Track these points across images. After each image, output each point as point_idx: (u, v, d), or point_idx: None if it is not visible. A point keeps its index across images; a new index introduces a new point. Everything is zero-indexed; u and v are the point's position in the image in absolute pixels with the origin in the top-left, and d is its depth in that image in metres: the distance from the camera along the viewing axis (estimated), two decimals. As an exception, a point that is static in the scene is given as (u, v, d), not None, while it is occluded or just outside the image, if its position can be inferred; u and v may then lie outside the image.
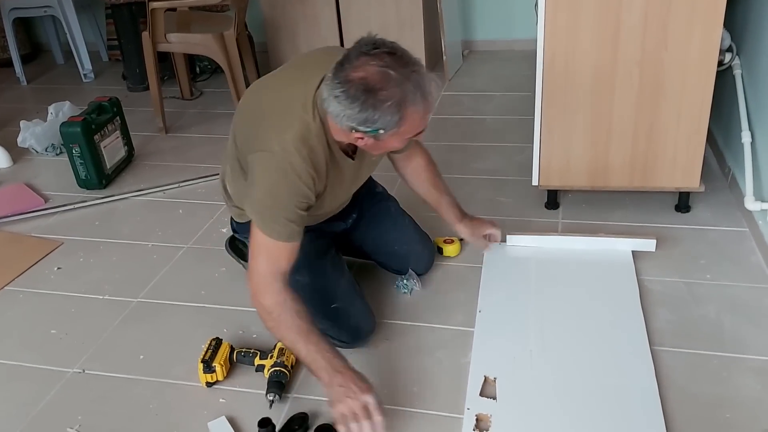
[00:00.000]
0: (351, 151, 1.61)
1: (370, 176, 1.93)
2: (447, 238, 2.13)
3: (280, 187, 1.47)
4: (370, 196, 1.97)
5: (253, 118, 1.58)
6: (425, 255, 2.02)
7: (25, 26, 4.41)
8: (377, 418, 1.40)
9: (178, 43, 3.10)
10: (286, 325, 1.48)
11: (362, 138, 1.43)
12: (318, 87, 1.48)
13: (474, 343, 1.73)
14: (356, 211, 1.93)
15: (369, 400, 1.41)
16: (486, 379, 1.60)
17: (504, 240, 2.08)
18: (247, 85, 3.41)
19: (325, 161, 1.52)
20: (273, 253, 1.49)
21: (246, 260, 2.02)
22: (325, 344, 1.49)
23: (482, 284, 1.95)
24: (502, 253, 2.06)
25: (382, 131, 1.38)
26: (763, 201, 2.00)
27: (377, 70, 1.33)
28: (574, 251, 2.02)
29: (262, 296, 1.50)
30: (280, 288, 1.49)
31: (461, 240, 2.13)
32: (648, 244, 2.01)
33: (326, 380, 1.44)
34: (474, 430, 1.48)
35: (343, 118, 1.38)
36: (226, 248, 2.11)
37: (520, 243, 2.08)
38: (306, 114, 1.48)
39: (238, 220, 1.85)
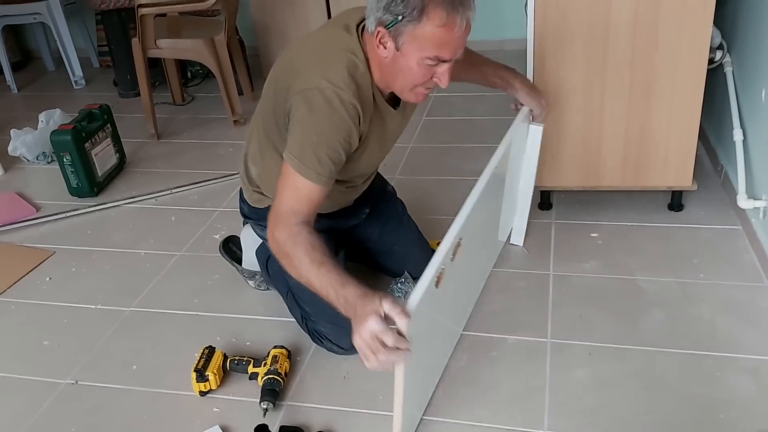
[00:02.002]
0: (394, 102, 1.61)
1: (381, 174, 1.95)
2: (441, 241, 2.12)
3: (327, 121, 1.43)
4: (381, 192, 1.98)
5: (294, 64, 1.53)
6: (422, 258, 2.00)
7: (15, 33, 4.39)
8: (404, 345, 1.23)
9: (168, 48, 3.09)
10: (298, 259, 1.40)
11: (384, 44, 1.41)
12: (358, 29, 1.50)
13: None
14: (369, 205, 1.93)
15: (373, 326, 1.23)
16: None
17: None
18: (239, 89, 3.41)
19: (370, 102, 1.51)
20: (302, 192, 1.44)
21: (240, 263, 2.02)
22: (336, 276, 1.36)
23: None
24: None
25: (401, 18, 1.36)
26: (755, 199, 2.00)
27: None
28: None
29: (277, 229, 1.44)
30: (297, 224, 1.43)
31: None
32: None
33: (342, 312, 1.34)
34: None
35: (372, 16, 1.41)
36: (220, 251, 2.10)
37: None
38: (351, 54, 1.47)
39: (257, 206, 1.80)
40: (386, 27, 1.39)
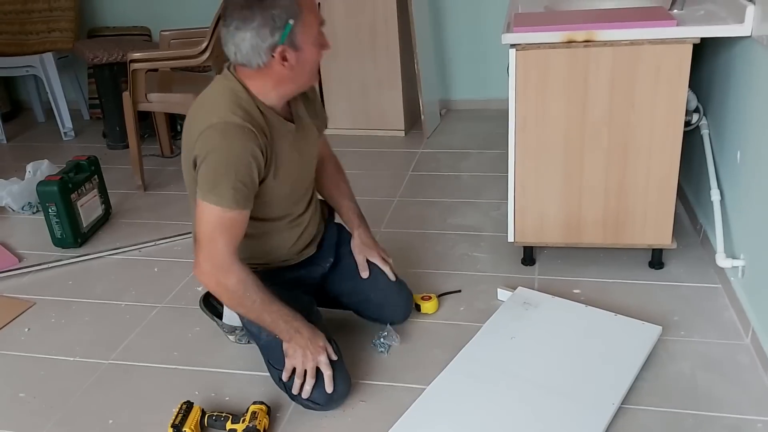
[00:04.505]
0: (286, 115, 1.71)
1: (333, 221, 2.04)
2: (425, 294, 2.13)
3: (227, 150, 1.55)
4: (345, 243, 1.99)
5: (190, 123, 1.64)
6: (401, 303, 2.01)
7: (6, 84, 4.44)
8: (327, 372, 1.65)
9: (158, 102, 3.14)
10: (250, 300, 1.61)
11: (284, 58, 1.55)
12: (231, 75, 1.63)
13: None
14: (332, 255, 1.96)
15: (321, 359, 1.65)
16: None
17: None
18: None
19: (264, 124, 1.61)
20: (229, 227, 1.58)
21: (220, 318, 2.01)
22: (285, 310, 1.65)
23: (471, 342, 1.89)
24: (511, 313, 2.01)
25: (291, 22, 1.51)
26: (734, 258, 2.03)
27: None
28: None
29: (225, 277, 1.59)
30: (239, 266, 1.60)
31: (439, 296, 2.14)
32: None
33: (287, 339, 1.65)
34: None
35: (256, 48, 1.53)
36: (200, 306, 2.09)
37: (531, 300, 2.05)
38: (229, 89, 1.61)
39: None
40: (282, 42, 1.53)
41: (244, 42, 1.53)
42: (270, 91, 1.63)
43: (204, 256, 1.59)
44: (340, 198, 2.03)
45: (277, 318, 1.64)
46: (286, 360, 1.66)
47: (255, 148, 1.57)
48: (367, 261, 1.95)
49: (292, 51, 1.55)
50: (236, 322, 1.94)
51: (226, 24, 1.54)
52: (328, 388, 1.65)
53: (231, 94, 1.60)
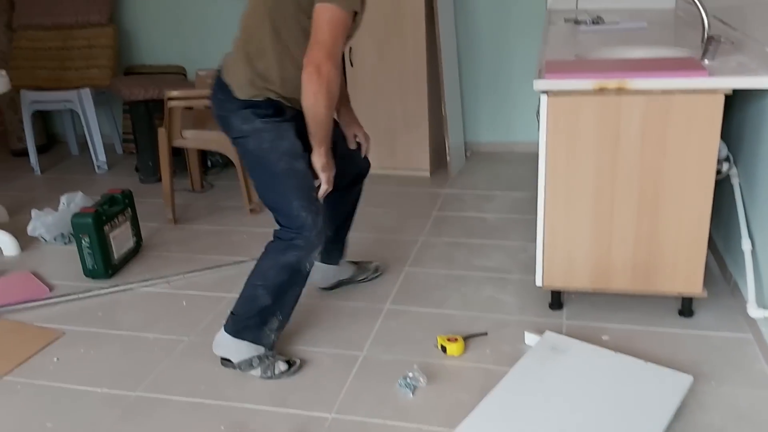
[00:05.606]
0: None
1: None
2: (451, 336, 2.12)
3: None
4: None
5: None
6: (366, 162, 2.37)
7: (43, 117, 4.55)
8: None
9: (192, 139, 3.21)
10: (330, 95, 1.81)
11: None
12: None
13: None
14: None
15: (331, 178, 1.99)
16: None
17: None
18: (256, 179, 3.51)
19: None
20: (341, 26, 1.78)
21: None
22: (332, 125, 1.92)
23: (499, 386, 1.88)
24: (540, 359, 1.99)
25: None
26: (765, 308, 2.00)
27: None
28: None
29: (327, 64, 1.77)
30: (338, 66, 1.82)
31: (465, 339, 2.13)
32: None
33: (323, 152, 1.94)
34: None
35: None
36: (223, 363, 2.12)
37: (560, 345, 2.04)
38: None
39: (256, 99, 1.92)
40: None
41: None
42: None
43: (325, 57, 1.77)
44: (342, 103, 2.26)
45: (327, 126, 1.90)
46: (321, 170, 1.96)
47: None
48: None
49: None
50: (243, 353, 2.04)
51: None
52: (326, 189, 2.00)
53: None
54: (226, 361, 2.09)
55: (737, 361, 2.00)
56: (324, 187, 2.00)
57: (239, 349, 2.05)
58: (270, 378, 2.03)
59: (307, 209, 1.96)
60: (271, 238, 2.03)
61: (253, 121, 1.91)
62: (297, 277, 2.02)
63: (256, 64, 1.91)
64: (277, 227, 2.02)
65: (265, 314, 2.02)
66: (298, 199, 1.95)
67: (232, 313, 2.07)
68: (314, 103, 1.82)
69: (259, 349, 2.05)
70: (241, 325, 2.04)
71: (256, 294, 2.01)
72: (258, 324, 2.03)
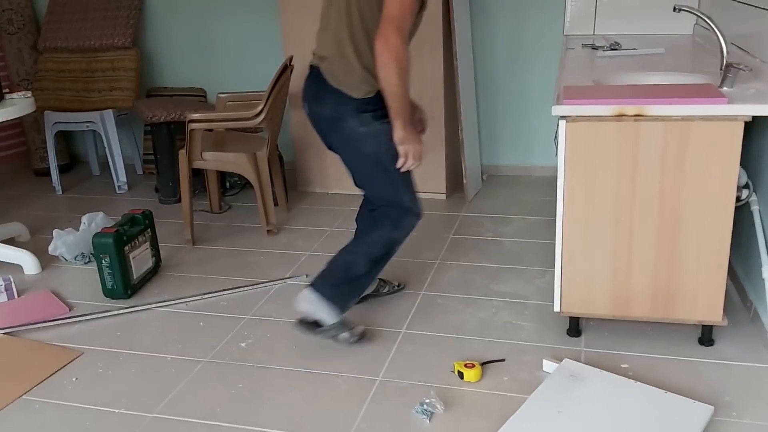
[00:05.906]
0: None
1: None
2: (468, 362, 2.11)
3: None
4: None
5: None
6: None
7: (65, 137, 4.63)
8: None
9: (213, 161, 3.25)
10: (399, 66, 1.91)
11: None
12: None
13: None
14: None
15: (420, 148, 2.09)
16: None
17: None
18: (275, 200, 3.53)
19: None
20: (408, 5, 1.90)
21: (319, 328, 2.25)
22: (409, 97, 2.02)
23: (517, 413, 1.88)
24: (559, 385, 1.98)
25: None
26: (787, 337, 1.98)
27: None
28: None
29: (395, 36, 1.88)
30: (406, 41, 1.93)
31: (482, 365, 2.12)
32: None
33: (401, 125, 2.02)
34: None
35: None
36: (300, 328, 2.25)
37: (578, 373, 2.03)
38: None
39: (368, 96, 2.06)
40: None
41: None
42: None
43: (394, 30, 1.88)
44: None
45: (405, 98, 1.99)
46: (402, 144, 2.04)
47: None
48: None
49: None
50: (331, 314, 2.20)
51: None
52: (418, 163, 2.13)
53: None
54: (307, 324, 2.21)
55: (759, 392, 1.97)
56: (409, 161, 2.09)
57: (330, 311, 2.18)
58: (355, 343, 2.26)
59: (413, 199, 2.21)
60: (373, 208, 2.24)
61: (371, 123, 2.07)
62: (389, 255, 2.24)
63: (362, 60, 2.04)
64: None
65: (355, 283, 2.23)
66: (407, 193, 2.20)
67: (323, 275, 2.21)
68: (387, 74, 1.93)
69: (341, 315, 2.22)
70: (336, 290, 2.19)
71: (357, 262, 2.20)
72: (349, 291, 2.22)
